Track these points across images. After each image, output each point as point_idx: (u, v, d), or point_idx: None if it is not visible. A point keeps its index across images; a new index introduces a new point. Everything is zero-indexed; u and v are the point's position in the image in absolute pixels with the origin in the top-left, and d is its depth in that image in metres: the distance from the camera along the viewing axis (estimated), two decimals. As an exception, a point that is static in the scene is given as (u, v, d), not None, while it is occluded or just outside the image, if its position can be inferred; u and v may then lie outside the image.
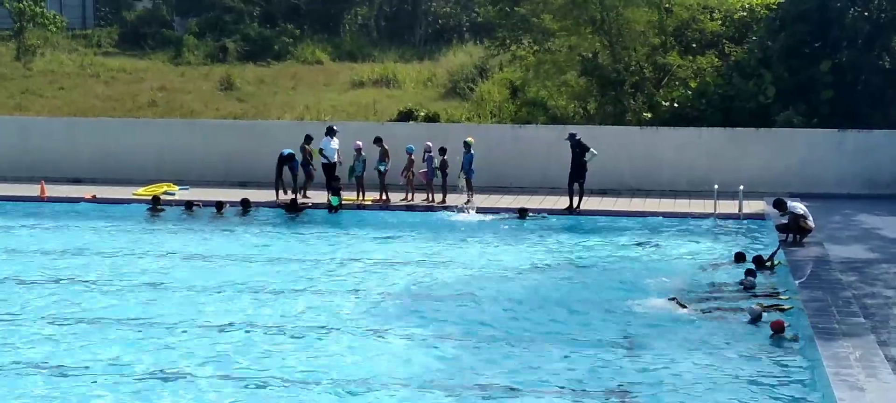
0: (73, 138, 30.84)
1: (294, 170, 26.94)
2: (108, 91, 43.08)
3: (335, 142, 26.48)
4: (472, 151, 26.16)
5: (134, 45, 53.75)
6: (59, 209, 26.31)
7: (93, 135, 30.88)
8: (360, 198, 26.75)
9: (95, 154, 30.34)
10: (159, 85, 44.00)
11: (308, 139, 27.19)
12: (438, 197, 26.51)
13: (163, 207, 26.16)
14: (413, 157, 26.62)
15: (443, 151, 26.38)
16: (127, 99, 41.35)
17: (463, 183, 26.21)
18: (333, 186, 26.07)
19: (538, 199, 26.62)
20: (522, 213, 25.07)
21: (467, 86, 41.87)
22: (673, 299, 17.23)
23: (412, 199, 26.68)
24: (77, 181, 29.26)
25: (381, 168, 26.53)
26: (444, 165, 26.35)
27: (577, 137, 25.79)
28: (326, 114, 37.81)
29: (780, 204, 21.81)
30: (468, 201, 25.81)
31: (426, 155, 26.55)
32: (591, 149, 25.57)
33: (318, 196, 26.55)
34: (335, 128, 26.98)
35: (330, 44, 53.14)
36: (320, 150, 26.35)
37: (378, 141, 26.75)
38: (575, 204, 25.50)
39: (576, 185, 25.63)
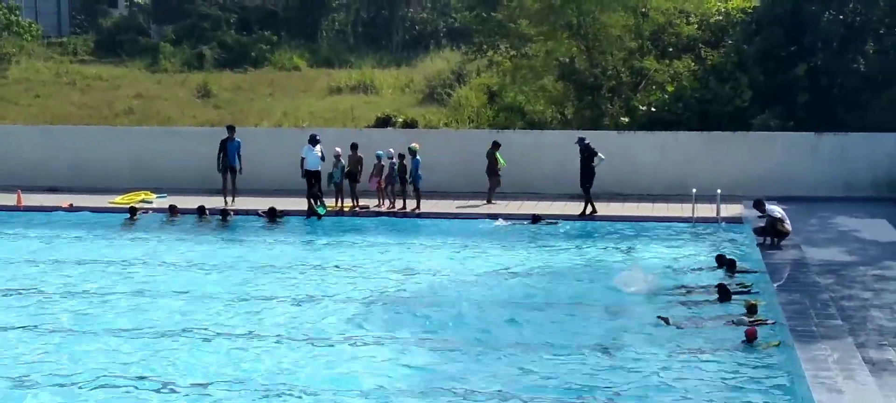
0: (49, 146, 30.62)
1: (235, 172, 26.79)
2: (85, 98, 42.93)
3: (318, 150, 26.43)
4: (419, 157, 26.16)
5: (110, 53, 53.61)
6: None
7: (69, 143, 30.67)
8: (339, 204, 26.69)
9: (72, 162, 30.15)
10: (136, 92, 43.87)
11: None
12: (399, 203, 26.46)
13: (138, 216, 26.05)
14: (383, 162, 26.59)
15: (400, 157, 26.36)
16: (103, 106, 41.20)
17: (411, 189, 26.24)
18: (314, 193, 26.02)
19: (516, 205, 26.61)
20: (535, 219, 25.08)
21: (445, 91, 41.96)
22: (661, 318, 17.04)
23: (382, 205, 26.67)
24: (53, 189, 29.03)
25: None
26: (402, 170, 26.34)
27: (586, 142, 25.80)
28: (304, 120, 37.74)
29: (759, 205, 21.93)
30: (417, 207, 25.94)
31: (387, 160, 26.53)
32: (599, 154, 25.59)
33: (295, 204, 26.42)
34: (317, 136, 26.91)
35: (307, 50, 53.13)
36: (302, 159, 26.31)
37: (353, 148, 26.77)
38: (583, 209, 25.50)
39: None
